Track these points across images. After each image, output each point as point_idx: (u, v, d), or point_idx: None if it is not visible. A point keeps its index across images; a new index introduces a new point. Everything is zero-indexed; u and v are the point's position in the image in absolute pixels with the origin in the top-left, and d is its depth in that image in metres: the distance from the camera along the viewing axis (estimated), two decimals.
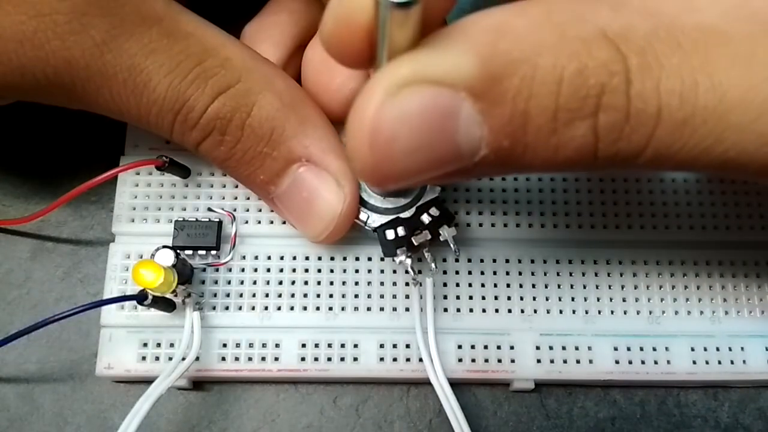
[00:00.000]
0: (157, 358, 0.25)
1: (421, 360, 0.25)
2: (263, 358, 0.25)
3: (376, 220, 0.24)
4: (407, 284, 0.26)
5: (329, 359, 0.25)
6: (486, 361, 0.26)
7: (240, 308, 0.26)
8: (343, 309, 0.26)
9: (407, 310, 0.26)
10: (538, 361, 0.26)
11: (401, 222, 0.24)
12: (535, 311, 0.26)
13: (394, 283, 0.26)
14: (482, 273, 0.27)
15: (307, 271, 0.26)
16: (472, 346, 0.26)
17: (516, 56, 0.14)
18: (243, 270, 0.26)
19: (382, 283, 0.26)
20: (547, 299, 0.26)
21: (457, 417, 0.24)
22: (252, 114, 0.23)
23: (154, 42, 0.21)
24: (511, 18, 0.14)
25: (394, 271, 0.26)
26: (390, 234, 0.24)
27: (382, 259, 0.26)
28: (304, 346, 0.26)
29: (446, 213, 0.25)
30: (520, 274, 0.27)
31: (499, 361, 0.26)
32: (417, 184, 0.23)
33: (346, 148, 0.15)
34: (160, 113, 0.22)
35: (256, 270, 0.26)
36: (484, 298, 0.26)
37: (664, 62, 0.14)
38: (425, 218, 0.24)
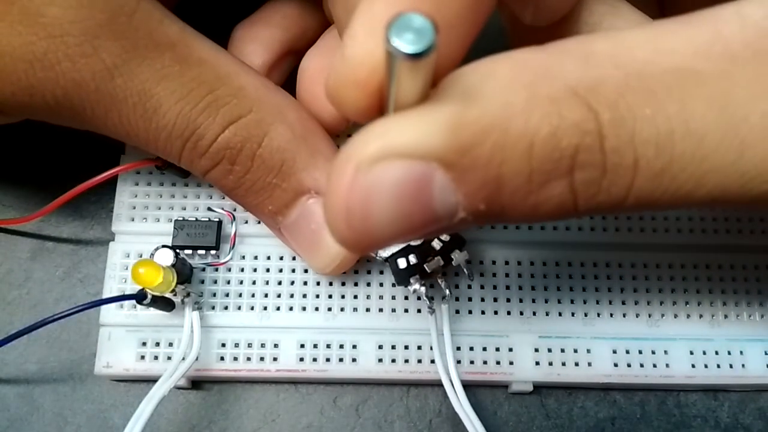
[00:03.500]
0: (156, 358, 0.25)
1: (419, 361, 0.25)
2: (262, 358, 0.25)
3: (386, 249, 0.24)
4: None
5: (328, 360, 0.25)
6: (485, 363, 0.26)
7: (239, 308, 0.26)
8: (342, 310, 0.26)
9: (406, 311, 0.26)
10: (537, 363, 0.26)
11: (412, 249, 0.24)
12: (534, 313, 0.26)
13: (394, 284, 0.26)
14: (482, 275, 0.26)
15: (306, 271, 0.26)
16: (471, 348, 0.26)
17: (485, 123, 0.13)
18: (242, 270, 0.26)
19: (381, 284, 0.26)
20: (546, 301, 0.26)
21: (471, 419, 0.24)
22: (263, 145, 0.22)
23: (166, 68, 0.21)
24: (479, 83, 0.14)
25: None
26: (402, 263, 0.24)
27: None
28: (302, 346, 0.26)
29: (457, 237, 0.24)
30: (519, 276, 0.27)
31: (498, 363, 0.26)
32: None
33: (325, 221, 0.15)
34: (169, 140, 0.22)
35: (255, 270, 0.26)
36: (483, 299, 0.26)
37: (637, 113, 0.13)
38: (436, 244, 0.24)
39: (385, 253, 0.24)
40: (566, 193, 0.14)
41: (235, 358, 0.25)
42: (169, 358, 0.25)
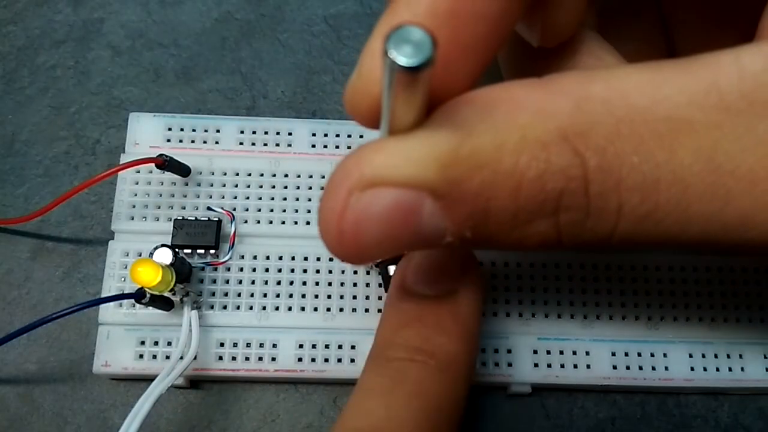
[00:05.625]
0: (155, 357, 0.25)
1: None
2: (260, 358, 0.25)
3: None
4: None
5: (326, 360, 0.25)
6: (483, 364, 0.25)
7: (238, 308, 0.26)
8: (341, 310, 0.26)
9: None
10: (536, 365, 0.26)
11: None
12: (534, 315, 0.26)
13: None
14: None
15: (305, 271, 0.26)
16: None
17: (477, 161, 0.14)
18: (241, 269, 0.26)
19: (380, 285, 0.26)
20: (545, 303, 0.26)
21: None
22: None
23: None
24: (475, 117, 0.14)
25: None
26: (392, 270, 0.24)
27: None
28: (301, 346, 0.26)
29: None
30: (519, 277, 0.26)
31: (497, 364, 0.26)
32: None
33: (319, 235, 0.16)
34: None
35: (254, 270, 0.26)
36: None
37: (624, 160, 0.14)
38: None
39: None
40: (551, 231, 0.14)
41: (234, 358, 0.25)
42: (167, 357, 0.25)
